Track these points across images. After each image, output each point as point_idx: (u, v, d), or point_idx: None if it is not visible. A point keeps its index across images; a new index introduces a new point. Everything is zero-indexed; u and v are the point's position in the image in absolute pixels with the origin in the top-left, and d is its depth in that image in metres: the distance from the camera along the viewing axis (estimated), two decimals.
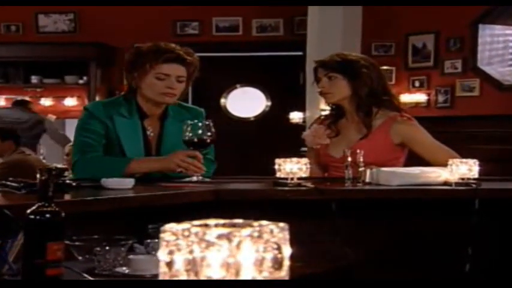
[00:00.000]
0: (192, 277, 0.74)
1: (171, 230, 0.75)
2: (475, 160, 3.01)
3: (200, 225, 0.75)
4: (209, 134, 3.00)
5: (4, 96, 9.02)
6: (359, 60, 3.47)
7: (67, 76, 8.80)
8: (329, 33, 6.24)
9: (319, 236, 2.84)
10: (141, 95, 3.21)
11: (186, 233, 0.74)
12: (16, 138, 6.20)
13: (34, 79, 8.81)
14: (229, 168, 6.79)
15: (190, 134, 2.99)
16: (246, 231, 0.74)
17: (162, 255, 0.75)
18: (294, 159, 2.94)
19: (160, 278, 0.75)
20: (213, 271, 0.73)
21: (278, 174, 2.94)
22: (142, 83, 3.17)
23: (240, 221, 0.79)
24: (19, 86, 8.90)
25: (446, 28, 8.11)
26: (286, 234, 0.78)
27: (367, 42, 8.32)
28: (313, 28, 6.54)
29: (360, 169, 3.00)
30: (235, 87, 9.26)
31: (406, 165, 3.44)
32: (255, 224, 0.76)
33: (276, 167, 2.96)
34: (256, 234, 0.75)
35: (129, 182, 2.75)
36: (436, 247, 2.91)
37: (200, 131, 2.99)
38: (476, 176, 2.98)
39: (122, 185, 2.72)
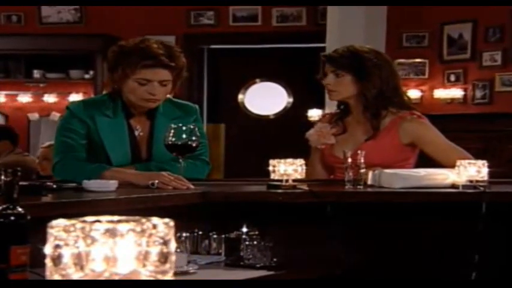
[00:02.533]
0: (79, 271, 0.86)
1: (58, 226, 0.87)
2: (484, 161, 3.10)
3: (88, 221, 0.87)
4: (194, 138, 3.07)
5: (4, 92, 9.20)
6: (371, 58, 3.54)
7: (72, 70, 8.96)
8: (351, 22, 6.34)
9: (313, 241, 2.95)
10: (124, 96, 3.33)
11: (72, 229, 0.86)
12: (13, 138, 6.37)
13: (36, 74, 8.98)
14: (246, 169, 6.91)
15: (174, 139, 3.06)
16: (129, 226, 0.86)
17: (48, 249, 0.87)
18: (289, 160, 3.05)
19: (47, 272, 0.87)
20: (97, 265, 0.86)
21: (272, 176, 3.06)
22: (123, 86, 3.28)
23: (134, 218, 0.91)
24: (20, 81, 9.08)
25: (485, 16, 8.15)
26: (172, 230, 0.89)
27: (397, 32, 8.39)
28: (334, 17, 6.65)
29: (362, 171, 3.10)
30: (254, 82, 9.38)
31: (417, 166, 3.52)
32: (143, 220, 0.88)
33: (270, 168, 3.07)
34: (138, 229, 0.87)
35: (112, 184, 2.87)
36: (440, 254, 3.01)
37: (184, 136, 3.06)
38: (486, 178, 3.06)
39: (104, 187, 2.85)
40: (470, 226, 2.92)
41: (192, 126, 3.10)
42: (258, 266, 2.72)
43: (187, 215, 2.88)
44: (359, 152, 3.12)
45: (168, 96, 3.41)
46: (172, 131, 3.07)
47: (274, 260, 2.75)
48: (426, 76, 8.54)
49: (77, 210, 2.49)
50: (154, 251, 0.89)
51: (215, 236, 2.89)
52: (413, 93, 8.47)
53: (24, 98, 9.19)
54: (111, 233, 0.86)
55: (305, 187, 2.98)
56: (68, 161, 3.24)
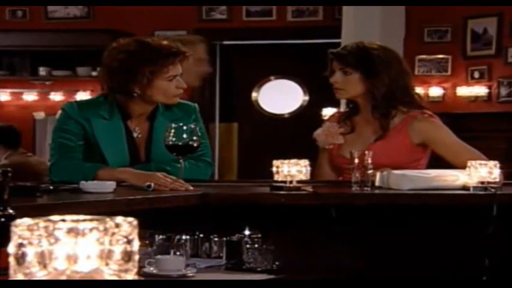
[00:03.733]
0: (42, 269, 0.92)
1: (21, 224, 0.93)
2: (495, 162, 3.14)
3: (52, 221, 0.93)
4: (195, 138, 3.13)
5: (9, 90, 9.28)
6: (380, 55, 3.58)
7: (79, 67, 9.01)
8: (367, 16, 6.38)
9: (317, 245, 3.00)
10: (143, 98, 3.38)
11: (35, 227, 0.92)
12: (7, 140, 6.42)
13: (42, 71, 9.04)
14: (260, 170, 6.97)
15: (174, 139, 3.12)
16: (92, 225, 0.92)
17: (12, 248, 0.93)
18: (293, 161, 3.10)
19: (11, 270, 0.93)
20: (59, 263, 0.91)
21: (276, 177, 3.11)
22: (148, 89, 3.34)
23: (99, 217, 0.96)
24: (25, 79, 9.13)
25: (511, 10, 8.14)
26: (135, 229, 0.95)
27: (418, 26, 8.41)
28: (349, 11, 6.69)
29: (369, 172, 3.14)
30: (269, 80, 9.42)
31: (430, 167, 3.56)
32: (106, 219, 0.94)
33: (274, 169, 3.12)
34: (101, 228, 0.93)
35: (110, 186, 2.94)
36: (449, 258, 3.05)
37: (185, 135, 3.12)
38: (498, 179, 3.10)
39: (101, 188, 2.91)
40: (480, 229, 2.96)
41: (192, 126, 3.17)
42: (258, 269, 2.78)
43: (188, 217, 2.95)
44: (366, 152, 3.16)
45: None
46: (172, 131, 3.13)
47: (276, 263, 2.80)
48: (449, 73, 8.55)
49: (71, 212, 2.55)
50: (118, 249, 0.94)
51: (216, 239, 2.94)
52: (435, 91, 8.50)
53: (30, 97, 9.28)
54: (74, 231, 0.92)
55: (309, 189, 3.03)
56: (63, 162, 3.32)
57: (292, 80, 9.32)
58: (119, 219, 0.95)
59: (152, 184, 3.01)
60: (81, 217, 0.97)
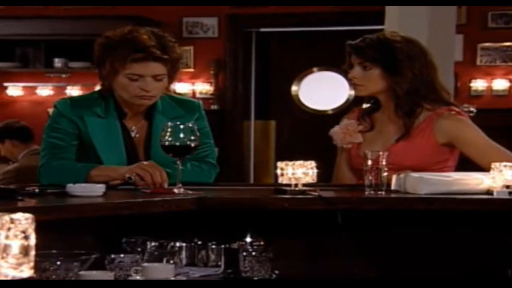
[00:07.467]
0: None
1: None
2: None
3: None
4: (193, 137, 3.25)
5: (22, 84, 9.52)
6: (403, 48, 3.70)
7: None
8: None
9: (323, 253, 3.16)
10: (117, 94, 3.59)
11: None
12: (17, 135, 6.67)
13: (58, 62, 9.21)
14: None
15: (170, 139, 3.24)
16: None
17: None
18: (298, 163, 3.26)
19: None
20: None
21: (280, 180, 3.27)
22: (113, 83, 3.55)
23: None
24: (40, 71, 9.40)
25: None
26: (32, 224, 1.15)
27: (480, 10, 8.48)
28: None
29: (384, 174, 3.27)
30: (311, 72, 9.52)
31: (459, 169, 3.68)
32: (3, 215, 1.14)
33: (278, 171, 3.28)
34: None
35: (98, 189, 3.12)
36: (468, 268, 3.16)
37: (182, 135, 3.24)
38: None
39: (89, 191, 3.10)
40: (503, 237, 3.09)
41: (190, 125, 3.30)
42: (255, 279, 2.94)
43: (185, 223, 3.11)
44: (381, 153, 3.27)
45: (168, 92, 3.68)
46: (169, 130, 3.27)
47: (276, 272, 2.96)
48: None
49: (53, 216, 2.72)
50: (15, 244, 1.14)
51: (214, 247, 3.10)
52: (500, 84, 8.56)
53: (45, 91, 9.48)
54: None
55: (315, 192, 3.16)
56: (53, 164, 3.50)
57: (337, 72, 9.32)
58: (17, 215, 1.15)
59: (133, 176, 3.22)
60: None
